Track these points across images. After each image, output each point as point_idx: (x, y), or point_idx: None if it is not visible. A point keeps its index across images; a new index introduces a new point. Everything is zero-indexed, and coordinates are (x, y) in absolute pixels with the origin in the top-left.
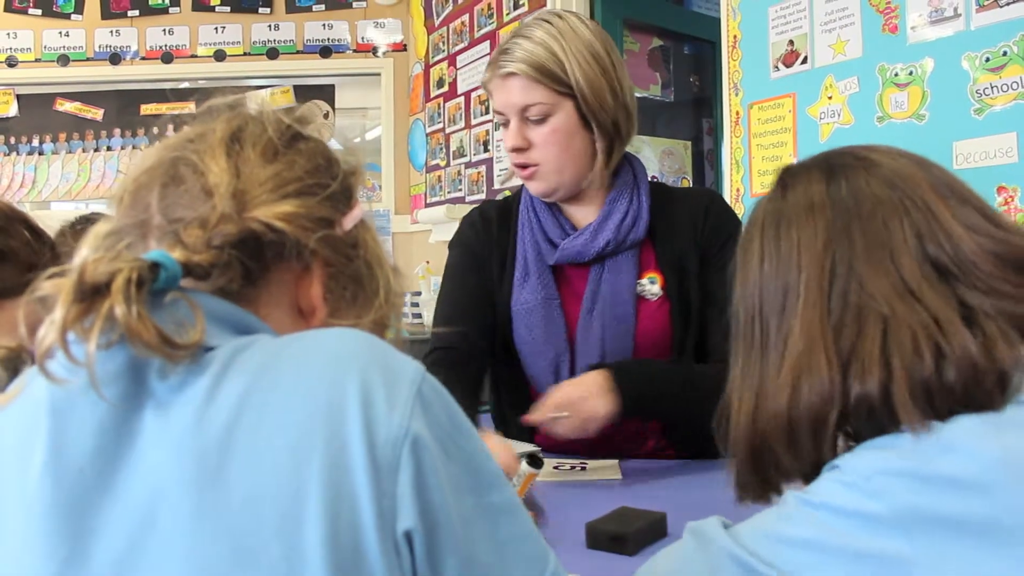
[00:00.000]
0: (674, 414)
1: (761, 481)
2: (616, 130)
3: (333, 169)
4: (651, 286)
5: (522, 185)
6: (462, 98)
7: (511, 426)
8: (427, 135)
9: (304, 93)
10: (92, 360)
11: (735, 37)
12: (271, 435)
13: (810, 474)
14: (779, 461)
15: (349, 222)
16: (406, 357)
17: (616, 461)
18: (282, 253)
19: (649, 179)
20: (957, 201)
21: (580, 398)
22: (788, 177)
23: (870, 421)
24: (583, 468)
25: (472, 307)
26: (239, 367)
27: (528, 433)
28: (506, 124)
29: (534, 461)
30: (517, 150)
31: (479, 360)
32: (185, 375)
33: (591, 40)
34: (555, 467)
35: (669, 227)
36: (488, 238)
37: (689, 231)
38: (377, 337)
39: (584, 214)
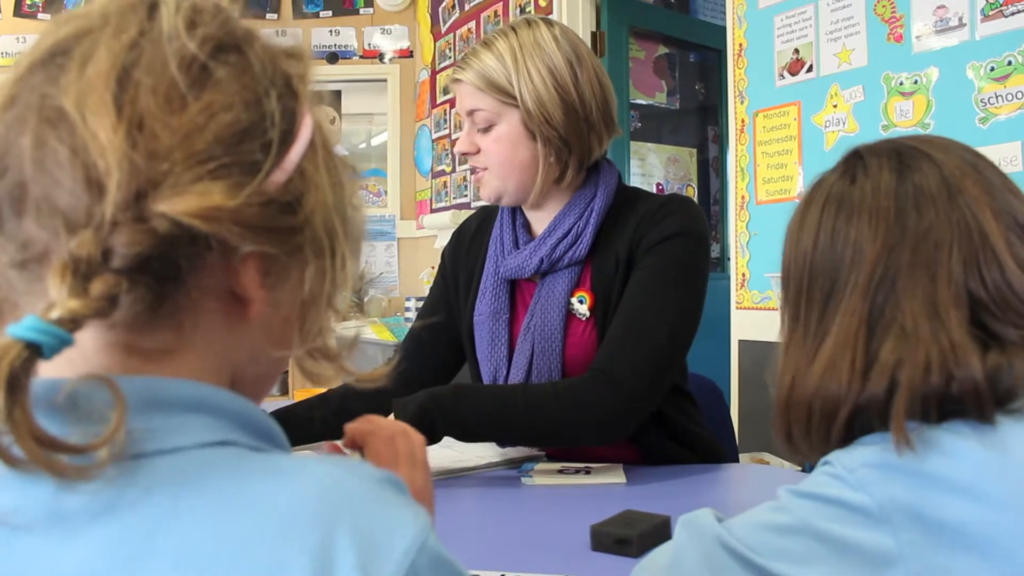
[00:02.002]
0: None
1: (790, 447)
2: (566, 146)
3: (264, 107)
4: (580, 305)
5: None
6: None
7: None
8: (433, 141)
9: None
10: None
11: (741, 45)
12: None
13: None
14: (799, 437)
15: (283, 173)
16: (407, 516)
17: (620, 465)
18: (200, 254)
19: (627, 187)
20: (1017, 235)
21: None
22: (858, 161)
23: (874, 419)
24: (587, 472)
25: (424, 348)
26: (185, 503)
27: None
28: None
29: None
30: (465, 154)
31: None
32: (117, 491)
33: (552, 53)
34: (559, 471)
35: (610, 245)
36: (459, 257)
37: (624, 248)
38: (377, 472)
39: (544, 225)
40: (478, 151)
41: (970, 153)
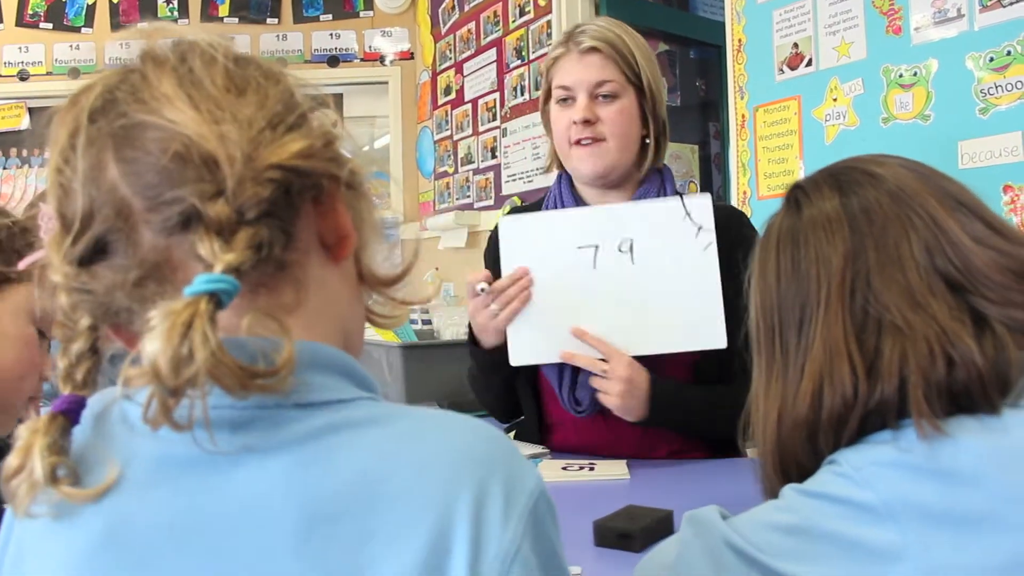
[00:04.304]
0: (689, 433)
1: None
2: (663, 129)
3: (289, 82)
4: None
5: (541, 189)
6: (469, 105)
7: (521, 425)
8: (435, 142)
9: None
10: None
11: (740, 41)
12: (376, 527)
13: None
14: (803, 463)
15: (317, 119)
16: (531, 465)
17: (624, 461)
18: (302, 203)
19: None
20: (964, 214)
21: (630, 377)
22: (800, 194)
23: (884, 421)
24: (592, 468)
25: None
26: (354, 444)
27: (539, 434)
28: (565, 101)
29: None
30: (587, 122)
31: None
32: (300, 428)
33: (643, 40)
34: (564, 468)
35: None
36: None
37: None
38: (501, 435)
39: None
40: (597, 121)
41: (902, 158)
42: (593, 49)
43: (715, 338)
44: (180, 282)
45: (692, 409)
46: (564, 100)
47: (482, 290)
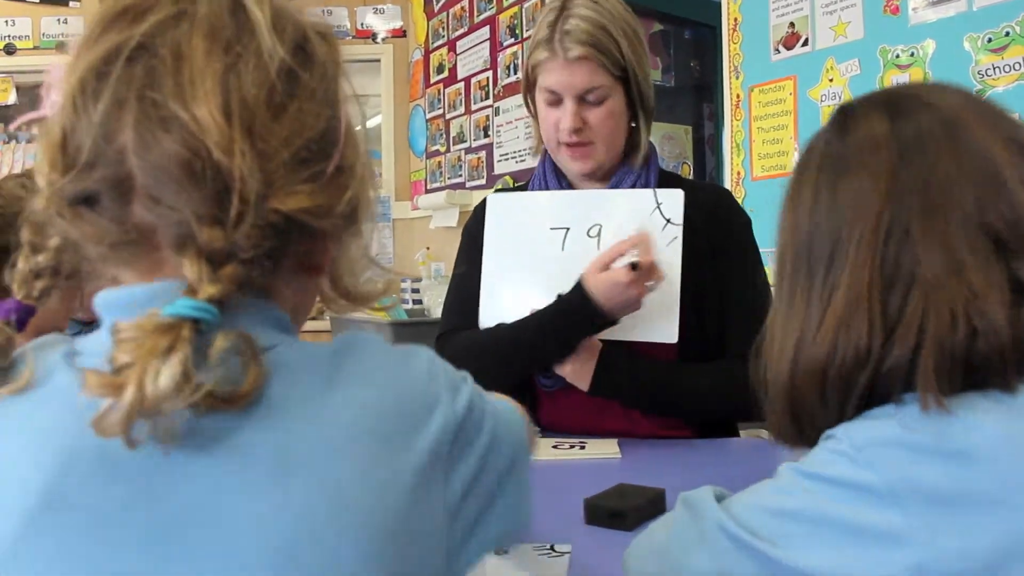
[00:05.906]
0: (644, 409)
1: (797, 431)
2: (649, 111)
3: (334, 107)
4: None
5: (533, 169)
6: (462, 84)
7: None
8: (427, 121)
9: None
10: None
11: (736, 20)
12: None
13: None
14: (813, 412)
15: (333, 165)
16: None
17: (615, 440)
18: (300, 239)
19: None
20: None
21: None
22: (848, 116)
23: (893, 389)
24: (582, 447)
25: (475, 296)
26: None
27: (530, 413)
28: (554, 103)
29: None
30: (576, 130)
31: None
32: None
33: (629, 18)
34: (554, 446)
35: None
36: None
37: (695, 222)
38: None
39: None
40: (585, 125)
41: (965, 90)
42: (582, 58)
43: (667, 333)
44: (153, 262)
45: (642, 381)
46: (554, 102)
47: (634, 267)
